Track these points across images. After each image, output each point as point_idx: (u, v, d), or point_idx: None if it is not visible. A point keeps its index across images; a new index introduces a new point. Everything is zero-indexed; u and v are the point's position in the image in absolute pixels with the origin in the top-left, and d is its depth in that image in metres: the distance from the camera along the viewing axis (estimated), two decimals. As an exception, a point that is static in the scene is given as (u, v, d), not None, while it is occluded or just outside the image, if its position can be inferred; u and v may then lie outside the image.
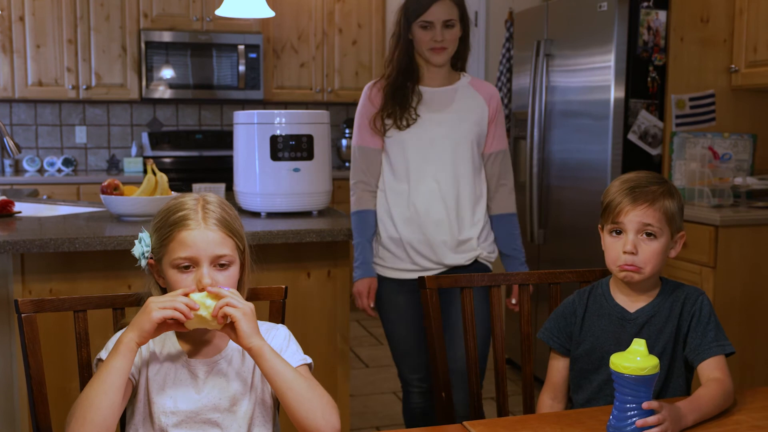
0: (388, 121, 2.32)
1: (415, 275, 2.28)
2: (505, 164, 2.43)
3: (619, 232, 1.55)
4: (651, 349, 1.54)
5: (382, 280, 2.38)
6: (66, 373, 2.14)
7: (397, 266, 2.36)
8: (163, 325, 1.31)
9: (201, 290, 1.34)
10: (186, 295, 1.31)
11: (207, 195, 1.46)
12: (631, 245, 1.52)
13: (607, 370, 1.57)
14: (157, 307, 1.28)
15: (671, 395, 1.55)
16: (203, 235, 1.37)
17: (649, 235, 1.53)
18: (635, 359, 1.27)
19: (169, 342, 1.42)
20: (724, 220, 2.89)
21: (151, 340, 1.36)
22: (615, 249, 1.55)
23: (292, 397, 1.31)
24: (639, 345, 1.29)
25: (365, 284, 2.35)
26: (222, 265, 1.39)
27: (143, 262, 1.43)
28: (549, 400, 1.68)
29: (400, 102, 2.31)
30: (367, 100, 2.37)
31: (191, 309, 1.29)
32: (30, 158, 5.23)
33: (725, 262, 2.92)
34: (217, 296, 1.32)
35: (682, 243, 1.58)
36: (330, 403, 1.33)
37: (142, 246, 1.42)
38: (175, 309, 1.28)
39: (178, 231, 1.38)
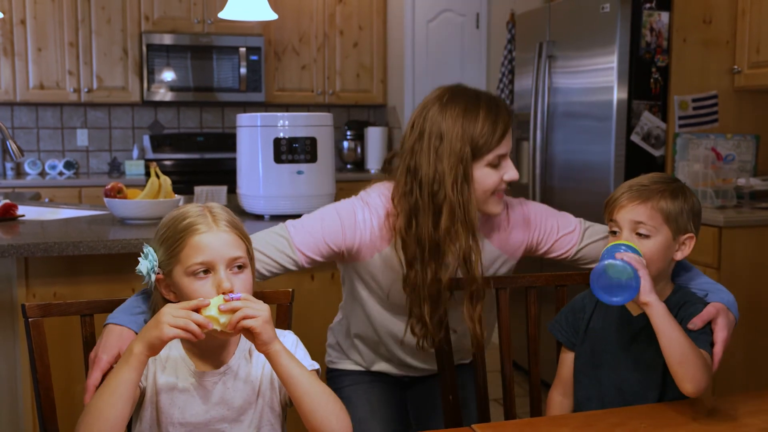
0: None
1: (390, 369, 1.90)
2: (588, 243, 1.81)
3: (616, 232, 1.54)
4: (648, 355, 1.53)
5: (344, 374, 1.91)
6: (70, 376, 2.13)
7: (365, 365, 1.92)
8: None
9: (224, 292, 1.30)
10: (198, 310, 1.26)
11: (209, 203, 1.43)
12: None
13: (605, 369, 1.57)
14: (169, 323, 1.23)
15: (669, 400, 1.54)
16: (216, 237, 1.35)
17: (641, 234, 1.51)
18: None
19: (177, 352, 1.41)
20: (727, 221, 2.89)
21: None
22: None
23: (308, 402, 1.29)
24: None
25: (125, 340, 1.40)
26: (238, 268, 1.36)
27: (152, 278, 1.38)
28: (558, 396, 1.67)
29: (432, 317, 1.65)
30: (354, 230, 1.67)
31: (203, 328, 1.25)
32: (31, 161, 5.23)
33: (729, 263, 2.91)
34: (231, 309, 1.27)
35: (690, 246, 1.55)
36: (343, 408, 1.33)
37: (150, 261, 1.37)
38: (187, 330, 1.24)
39: (190, 236, 1.34)
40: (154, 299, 1.44)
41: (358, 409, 1.84)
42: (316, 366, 1.42)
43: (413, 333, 1.67)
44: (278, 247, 1.66)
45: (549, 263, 3.44)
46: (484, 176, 1.61)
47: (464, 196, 1.58)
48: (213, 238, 1.34)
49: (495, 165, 1.62)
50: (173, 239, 1.36)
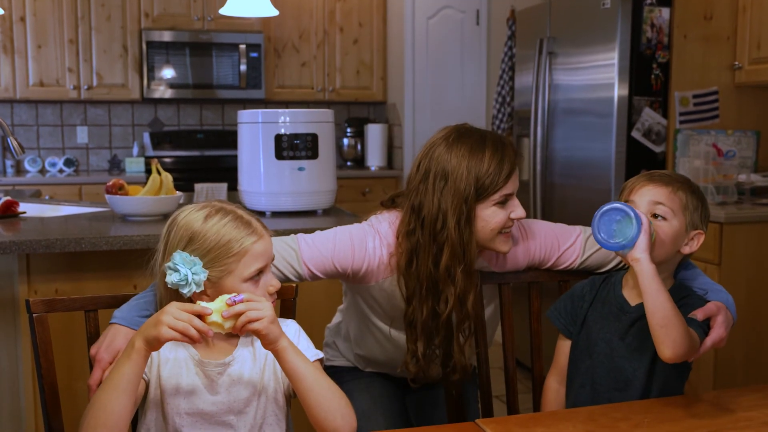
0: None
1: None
2: (591, 254, 1.78)
3: None
4: (642, 344, 1.53)
5: (342, 370, 1.94)
6: (72, 372, 2.14)
7: (362, 367, 1.96)
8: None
9: (269, 293, 1.38)
10: (202, 318, 1.25)
11: (223, 201, 1.44)
12: None
13: (600, 357, 1.57)
14: (168, 325, 1.22)
15: (655, 394, 1.54)
16: (268, 241, 1.41)
17: (658, 216, 1.52)
18: None
19: (181, 343, 1.40)
20: (728, 217, 2.89)
21: None
22: None
23: (313, 398, 1.30)
24: None
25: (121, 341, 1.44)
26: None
27: (200, 288, 1.34)
28: (555, 384, 1.68)
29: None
30: (363, 256, 1.69)
31: (204, 335, 1.24)
32: (31, 159, 5.23)
33: (730, 259, 2.92)
34: (235, 314, 1.26)
35: (699, 242, 1.56)
36: (348, 404, 1.33)
37: (197, 272, 1.33)
38: (186, 334, 1.22)
39: (252, 244, 1.37)
40: (161, 300, 1.42)
41: (361, 403, 1.84)
42: (320, 355, 1.43)
43: (408, 370, 1.70)
44: (286, 257, 1.66)
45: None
46: (491, 215, 1.61)
47: (465, 236, 1.60)
48: (266, 243, 1.40)
49: (502, 204, 1.62)
50: (225, 248, 1.35)
